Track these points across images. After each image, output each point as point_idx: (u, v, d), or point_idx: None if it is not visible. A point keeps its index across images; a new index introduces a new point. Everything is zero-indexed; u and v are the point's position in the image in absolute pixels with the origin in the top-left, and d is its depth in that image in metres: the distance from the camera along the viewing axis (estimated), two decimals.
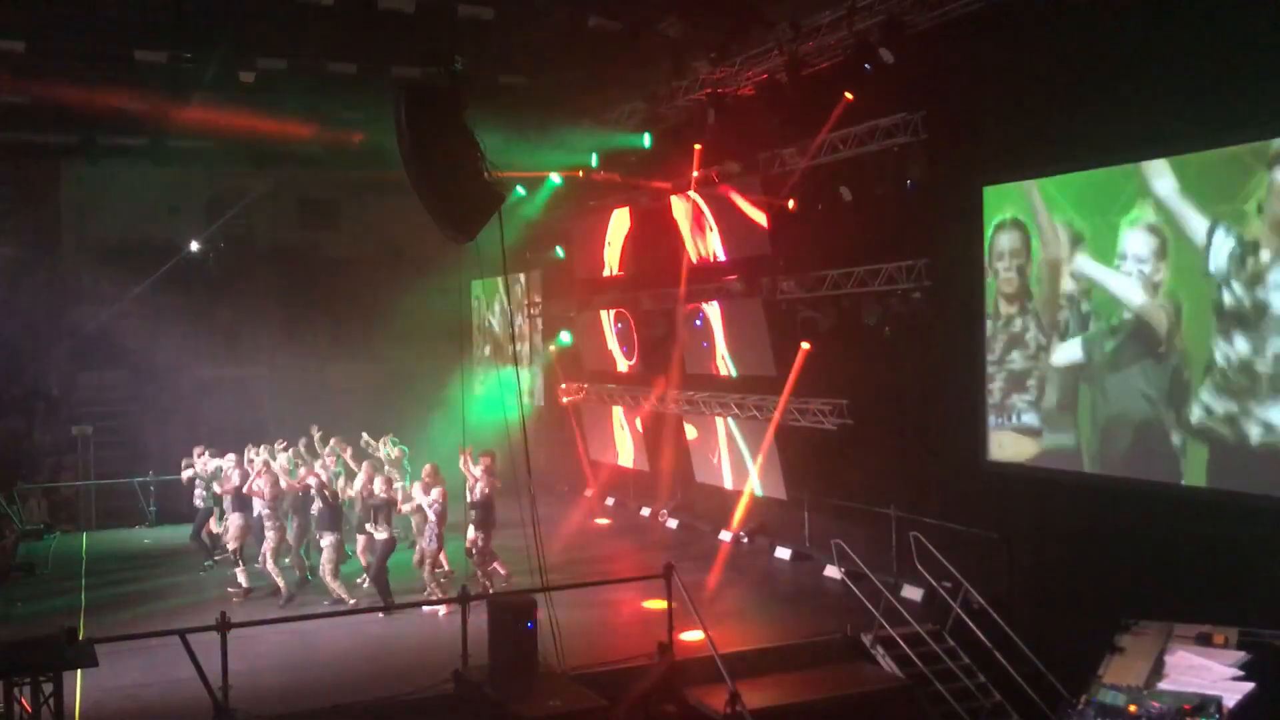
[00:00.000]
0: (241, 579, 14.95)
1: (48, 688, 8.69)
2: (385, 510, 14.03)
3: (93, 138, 20.58)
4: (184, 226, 23.16)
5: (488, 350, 26.71)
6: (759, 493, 17.46)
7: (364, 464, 15.58)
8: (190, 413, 21.98)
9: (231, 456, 16.30)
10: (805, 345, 15.68)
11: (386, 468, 16.20)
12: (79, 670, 9.76)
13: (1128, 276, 11.26)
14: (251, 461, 16.06)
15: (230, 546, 15.37)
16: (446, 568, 14.87)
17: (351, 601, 13.92)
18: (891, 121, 13.94)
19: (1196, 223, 10.62)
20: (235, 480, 15.43)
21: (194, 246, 23.00)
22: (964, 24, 12.63)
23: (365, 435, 17.89)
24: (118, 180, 22.18)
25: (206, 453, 17.12)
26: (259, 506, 14.91)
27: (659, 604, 11.41)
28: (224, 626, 9.58)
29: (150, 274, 22.61)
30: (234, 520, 15.25)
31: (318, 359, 23.43)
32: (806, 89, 14.90)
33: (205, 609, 11.86)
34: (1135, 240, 11.21)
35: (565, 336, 23.26)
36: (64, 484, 21.84)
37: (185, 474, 17.26)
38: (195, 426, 21.22)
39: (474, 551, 14.07)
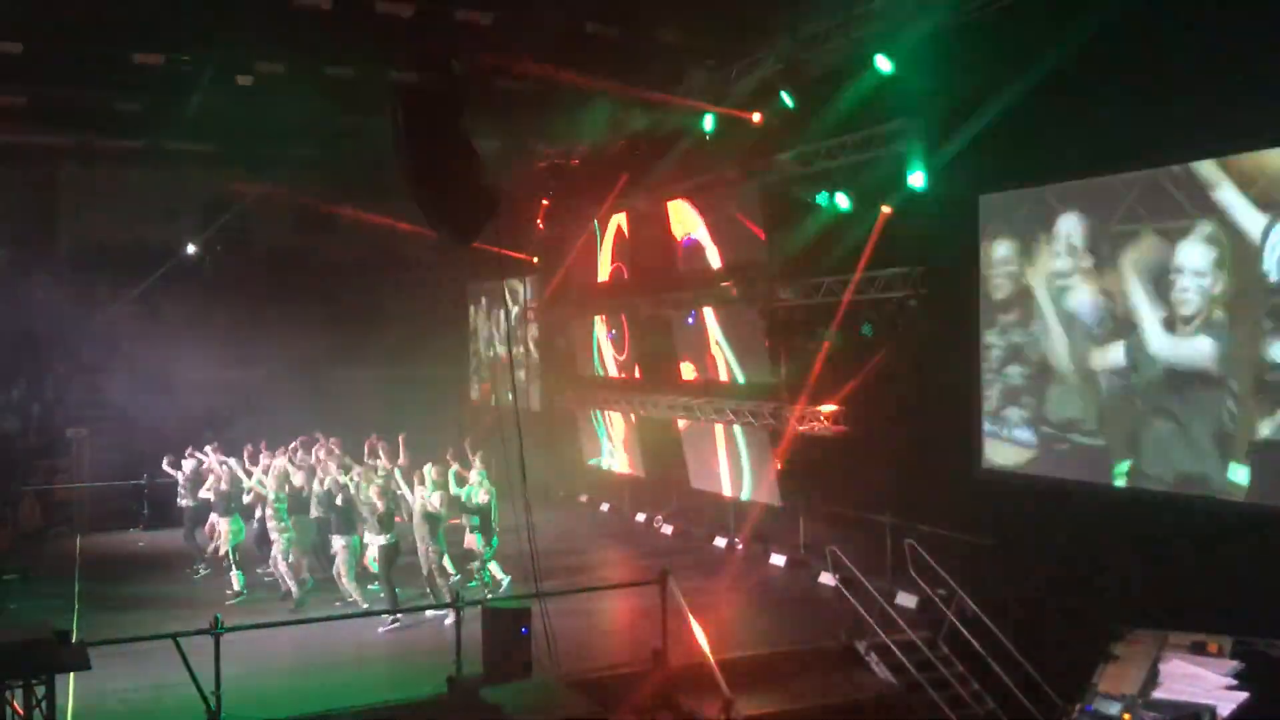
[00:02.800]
0: (235, 583, 14.94)
1: (40, 690, 8.66)
2: (385, 515, 14.01)
3: (89, 140, 20.55)
4: (181, 229, 23.13)
5: (485, 354, 26.69)
6: (754, 499, 17.46)
7: (356, 470, 15.59)
8: (185, 416, 21.91)
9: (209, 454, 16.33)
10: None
11: (383, 473, 16.20)
12: (71, 673, 9.74)
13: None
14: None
15: (221, 550, 15.36)
16: (451, 572, 14.88)
17: (365, 605, 13.90)
18: (890, 129, 13.95)
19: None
20: (224, 485, 15.48)
21: (190, 249, 22.98)
22: (962, 31, 12.64)
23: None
24: (114, 182, 22.16)
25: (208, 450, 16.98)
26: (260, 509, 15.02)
27: (654, 610, 11.39)
28: (217, 630, 9.56)
29: (146, 277, 22.59)
30: (222, 525, 15.26)
31: (314, 363, 23.38)
32: (803, 97, 14.92)
33: (199, 612, 11.82)
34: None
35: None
36: (59, 486, 21.80)
37: (184, 467, 17.15)
38: (190, 430, 21.18)
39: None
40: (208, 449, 16.69)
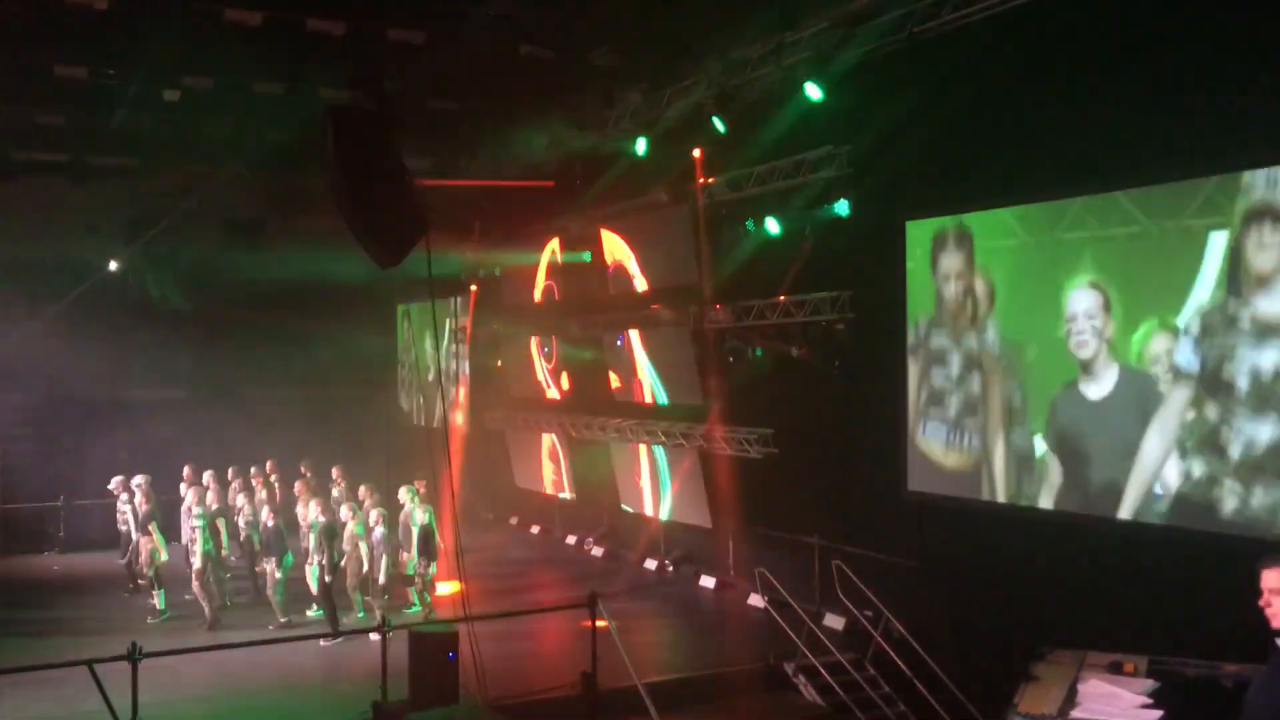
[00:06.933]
0: (158, 603, 14.71)
1: None
2: (326, 535, 13.92)
3: (8, 153, 20.07)
4: (103, 246, 22.64)
5: (414, 375, 26.44)
6: (681, 520, 17.49)
7: (295, 486, 15.58)
8: (105, 436, 21.41)
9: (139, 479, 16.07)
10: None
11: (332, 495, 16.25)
12: None
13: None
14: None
15: (147, 571, 15.09)
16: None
17: (283, 621, 13.77)
18: (818, 155, 14.14)
19: None
20: (144, 504, 15.31)
21: (113, 266, 22.49)
22: (889, 61, 12.87)
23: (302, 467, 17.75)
24: (34, 197, 21.62)
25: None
26: (185, 533, 14.89)
27: (583, 633, 11.35)
28: (135, 656, 9.32)
29: (67, 294, 22.06)
30: (145, 543, 15.02)
31: (239, 382, 22.99)
32: (734, 121, 15.07)
33: (117, 638, 11.53)
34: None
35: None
36: None
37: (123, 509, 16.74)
38: (111, 450, 20.71)
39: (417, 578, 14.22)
40: (112, 483, 16.51)
